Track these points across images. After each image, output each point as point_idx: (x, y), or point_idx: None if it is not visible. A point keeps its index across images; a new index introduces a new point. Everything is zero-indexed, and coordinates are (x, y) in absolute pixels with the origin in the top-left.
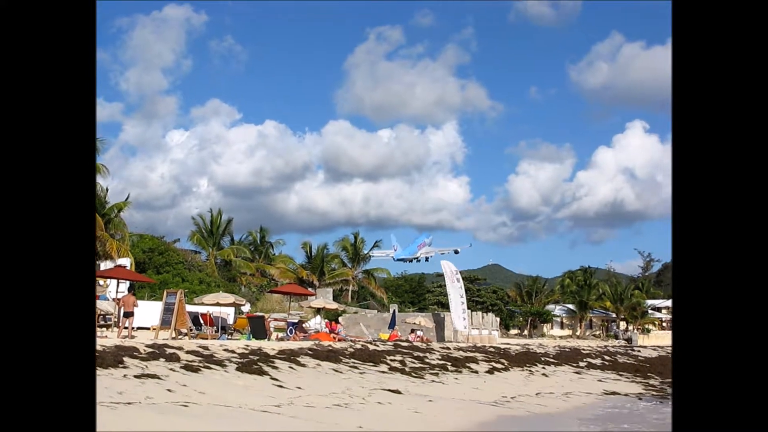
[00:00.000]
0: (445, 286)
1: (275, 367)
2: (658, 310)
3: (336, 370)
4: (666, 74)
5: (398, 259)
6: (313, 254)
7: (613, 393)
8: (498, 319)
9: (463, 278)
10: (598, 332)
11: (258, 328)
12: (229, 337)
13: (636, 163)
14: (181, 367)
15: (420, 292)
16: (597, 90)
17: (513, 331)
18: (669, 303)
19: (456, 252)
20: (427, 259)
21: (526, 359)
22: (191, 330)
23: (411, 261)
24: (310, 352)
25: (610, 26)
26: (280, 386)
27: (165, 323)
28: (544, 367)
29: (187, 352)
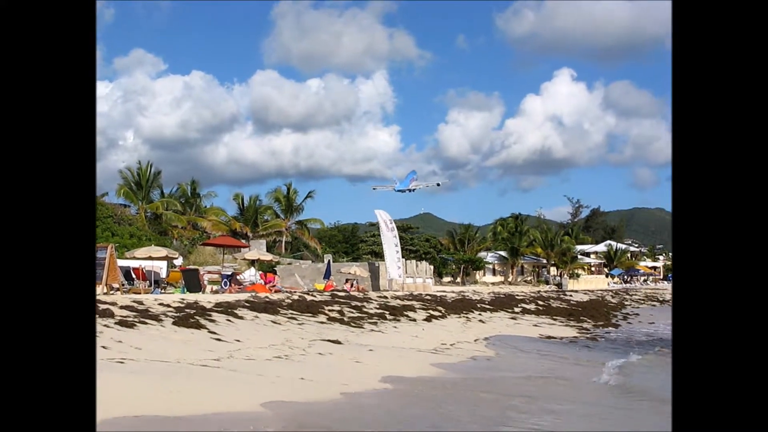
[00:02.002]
0: (377, 235)
1: (213, 321)
2: (587, 255)
3: (274, 322)
4: (590, 22)
5: (397, 190)
6: (245, 206)
7: (549, 337)
8: (432, 267)
9: (396, 227)
10: (529, 278)
11: (192, 281)
12: (163, 291)
13: (564, 110)
14: (115, 323)
15: (353, 242)
16: (524, 38)
17: (446, 279)
18: (597, 248)
19: (438, 185)
20: (413, 190)
21: (462, 306)
22: (123, 285)
23: (405, 192)
24: (247, 305)
25: None
26: (219, 339)
27: (96, 279)
28: (480, 314)
29: (121, 308)
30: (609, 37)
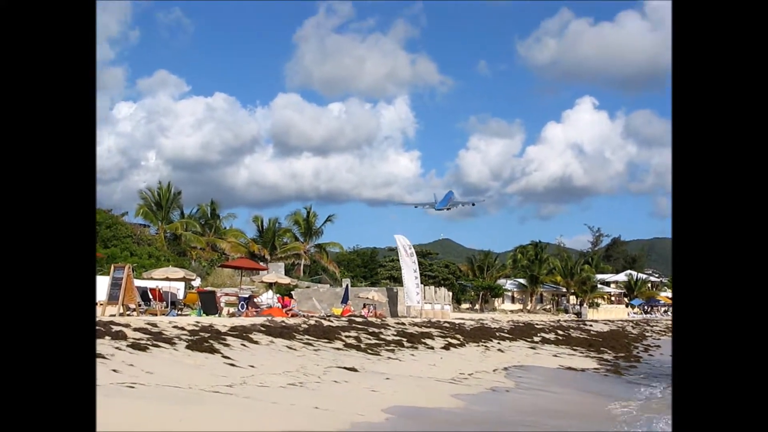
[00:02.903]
0: (396, 260)
1: (227, 345)
2: (607, 284)
3: (290, 347)
4: (612, 51)
5: (437, 209)
6: (264, 228)
7: (569, 368)
8: (450, 293)
9: (415, 252)
10: (548, 306)
11: (209, 303)
12: (179, 312)
13: (584, 138)
14: (127, 346)
15: (372, 267)
16: (545, 66)
17: (465, 306)
18: (617, 277)
19: (473, 204)
20: (449, 209)
21: (481, 334)
22: (140, 305)
23: (443, 210)
24: (262, 329)
25: (559, 2)
26: (232, 365)
27: (112, 298)
28: (499, 342)
29: (135, 330)
30: (631, 65)
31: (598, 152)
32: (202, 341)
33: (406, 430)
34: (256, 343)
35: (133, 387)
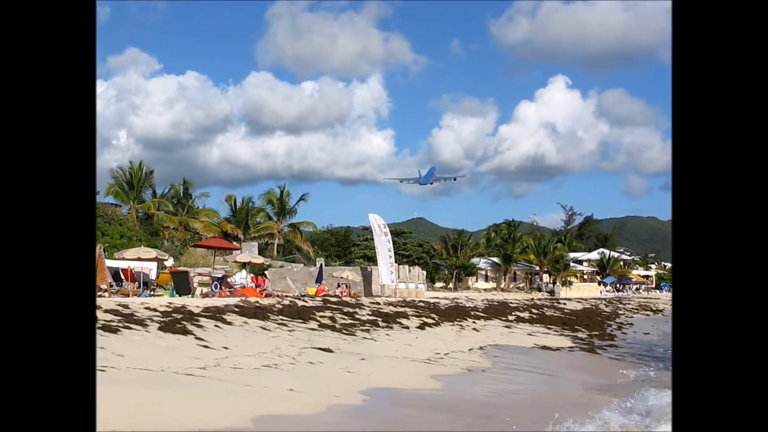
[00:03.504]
0: (370, 239)
1: (200, 326)
2: (580, 262)
3: (264, 328)
4: (584, 30)
5: (421, 183)
6: (237, 208)
7: (544, 347)
8: (424, 272)
9: (389, 232)
10: (521, 285)
11: (181, 283)
12: (152, 293)
13: (557, 117)
14: (98, 328)
15: (346, 246)
16: (518, 45)
17: (438, 285)
18: (590, 256)
19: (454, 179)
20: (432, 183)
21: (456, 314)
22: (111, 286)
23: (426, 184)
24: (236, 310)
25: None
26: (206, 346)
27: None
28: (474, 321)
29: (106, 311)
30: (603, 45)
31: (571, 131)
32: (175, 323)
33: (385, 413)
34: (229, 324)
35: (103, 371)
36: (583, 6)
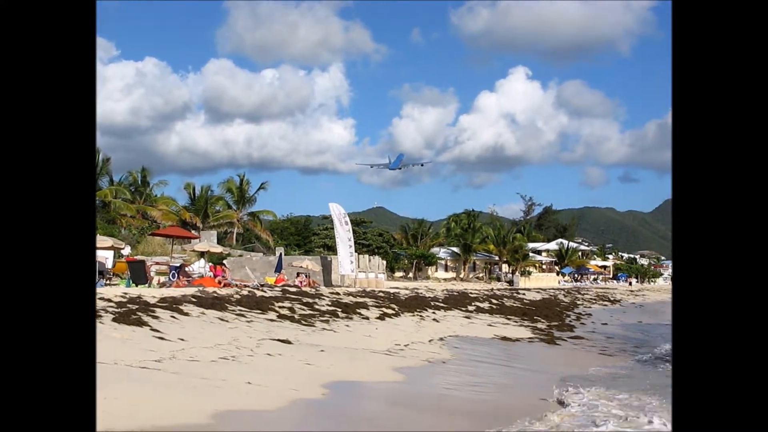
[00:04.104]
0: (330, 228)
1: (156, 317)
2: (539, 253)
3: (222, 319)
4: (544, 21)
5: (391, 169)
6: (196, 196)
7: (504, 338)
8: (384, 262)
9: (349, 221)
10: (481, 275)
11: (138, 273)
12: (108, 282)
13: (517, 108)
14: None
15: (306, 235)
16: (479, 35)
17: (398, 274)
18: (549, 246)
19: (422, 165)
20: (401, 168)
21: (416, 304)
22: None
23: (395, 170)
24: (193, 300)
25: None
26: (162, 338)
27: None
28: (434, 312)
29: None
30: (563, 36)
31: (531, 122)
32: (130, 313)
33: (348, 407)
34: (186, 314)
35: None
36: None
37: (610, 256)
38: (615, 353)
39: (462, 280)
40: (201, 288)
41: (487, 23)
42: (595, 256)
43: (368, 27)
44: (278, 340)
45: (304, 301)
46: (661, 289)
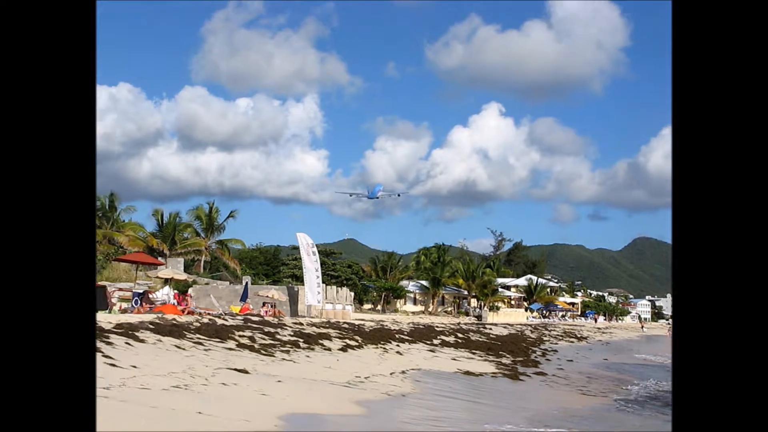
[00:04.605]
0: (299, 258)
1: (109, 343)
2: (508, 288)
3: (178, 347)
4: (518, 58)
5: (370, 198)
6: (164, 222)
7: (467, 372)
8: (353, 294)
9: (318, 252)
10: (449, 309)
11: (98, 298)
12: None
13: (490, 144)
14: None
15: (275, 265)
16: (453, 70)
17: (367, 306)
18: (518, 282)
19: (399, 195)
20: (378, 197)
21: (380, 336)
22: None
23: (373, 199)
24: (151, 326)
25: (468, 8)
26: (113, 365)
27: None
28: (398, 345)
29: None
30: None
31: (503, 158)
32: None
33: None
34: (142, 341)
35: None
36: (516, 34)
37: (579, 293)
38: (579, 391)
39: (430, 313)
40: (161, 315)
41: (462, 59)
42: (563, 292)
43: (344, 59)
44: (235, 369)
45: (266, 330)
46: (628, 327)
